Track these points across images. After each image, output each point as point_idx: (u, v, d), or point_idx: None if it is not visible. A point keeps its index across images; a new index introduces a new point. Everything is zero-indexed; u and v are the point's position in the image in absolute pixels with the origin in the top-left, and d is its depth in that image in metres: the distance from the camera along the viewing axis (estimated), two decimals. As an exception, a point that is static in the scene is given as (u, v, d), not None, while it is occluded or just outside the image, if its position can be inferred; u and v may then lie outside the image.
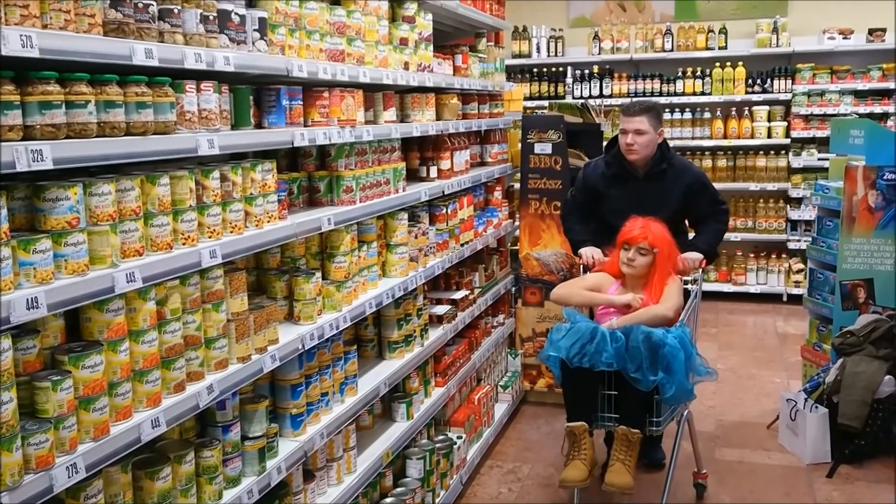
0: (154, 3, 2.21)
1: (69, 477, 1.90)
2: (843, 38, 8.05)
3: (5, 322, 1.75)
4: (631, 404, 3.65)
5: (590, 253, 4.21)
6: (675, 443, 3.93)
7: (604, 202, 4.31)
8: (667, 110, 8.54)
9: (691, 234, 4.41)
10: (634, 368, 3.56)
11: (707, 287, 8.37)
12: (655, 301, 3.84)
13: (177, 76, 2.33)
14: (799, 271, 8.00)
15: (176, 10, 2.30)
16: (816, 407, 4.60)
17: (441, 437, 4.20)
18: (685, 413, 3.99)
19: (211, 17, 2.44)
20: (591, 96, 8.61)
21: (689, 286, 4.07)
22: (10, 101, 1.83)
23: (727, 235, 8.18)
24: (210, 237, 2.46)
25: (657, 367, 3.54)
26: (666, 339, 3.56)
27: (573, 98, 8.63)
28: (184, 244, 2.35)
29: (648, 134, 4.10)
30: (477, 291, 4.79)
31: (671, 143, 8.30)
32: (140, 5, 2.15)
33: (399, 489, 3.73)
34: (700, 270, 4.12)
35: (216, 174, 2.49)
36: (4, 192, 1.83)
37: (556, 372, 3.81)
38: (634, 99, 4.20)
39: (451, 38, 5.19)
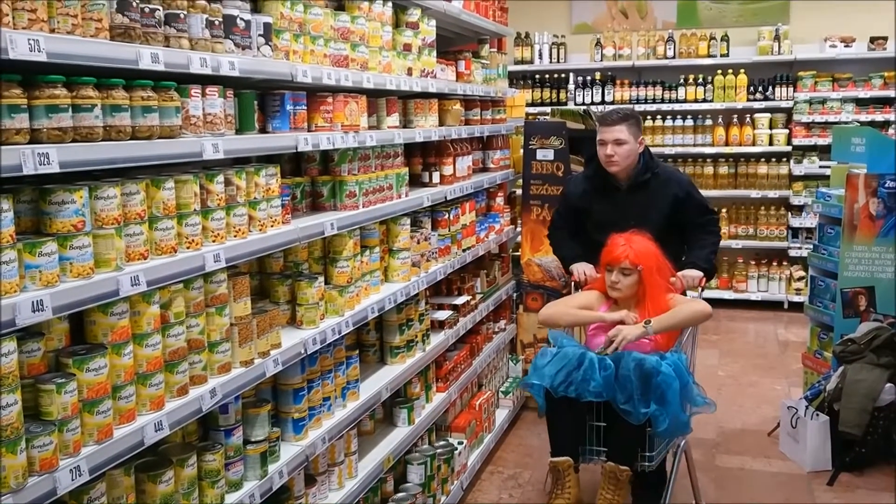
0: (160, 8, 2.22)
1: (73, 479, 1.91)
2: (845, 46, 8.07)
3: (10, 324, 1.75)
4: (621, 438, 3.39)
5: (581, 269, 4.02)
6: (671, 476, 3.69)
7: (588, 218, 4.13)
8: (668, 117, 8.57)
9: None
10: (624, 399, 3.30)
11: (708, 294, 8.28)
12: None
13: (182, 81, 2.34)
14: (800, 279, 8.01)
15: (182, 15, 2.31)
16: (817, 414, 4.60)
17: (442, 443, 4.20)
18: (682, 444, 3.74)
19: (216, 23, 2.46)
20: (593, 103, 8.63)
21: None
22: (17, 104, 1.83)
23: (728, 242, 8.34)
24: (214, 241, 2.46)
25: (649, 397, 3.29)
26: (660, 366, 3.31)
27: (575, 104, 8.65)
28: (188, 248, 2.35)
29: (629, 143, 3.92)
30: (478, 297, 4.79)
31: (673, 151, 8.47)
32: (146, 10, 2.16)
33: (400, 494, 3.73)
34: (699, 289, 3.90)
35: (220, 178, 2.50)
36: (11, 195, 1.84)
37: (539, 401, 3.54)
38: (613, 109, 4.08)
39: (454, 44, 5.20)
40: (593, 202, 4.10)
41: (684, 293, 3.88)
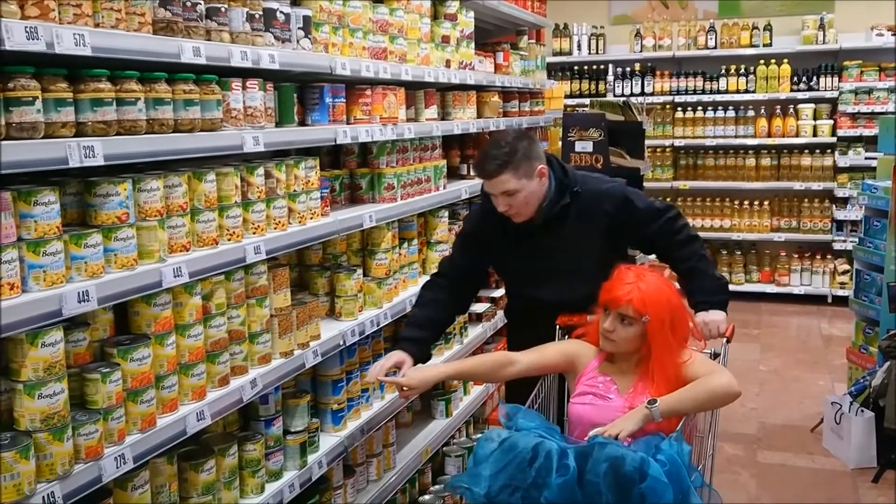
0: (202, 3, 2.25)
1: (117, 467, 1.95)
2: (892, 35, 7.87)
3: (57, 314, 1.79)
4: None
5: (377, 366, 2.80)
6: None
7: (502, 268, 3.18)
8: (710, 108, 8.45)
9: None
10: None
11: (749, 288, 8.28)
12: (656, 391, 2.53)
13: (223, 74, 2.37)
14: (844, 272, 7.86)
15: (223, 9, 2.33)
16: (862, 410, 4.52)
17: (479, 435, 4.20)
18: None
19: (257, 16, 2.48)
20: (632, 94, 8.54)
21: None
22: (63, 98, 1.87)
23: (770, 235, 8.22)
24: (254, 233, 2.49)
25: None
26: (647, 467, 2.25)
27: (614, 96, 8.57)
28: (229, 240, 2.38)
29: (523, 190, 2.80)
30: (516, 290, 4.77)
31: (714, 142, 8.35)
32: (188, 4, 2.18)
33: (438, 486, 3.74)
34: (725, 341, 2.84)
35: (261, 171, 2.52)
36: (57, 188, 1.87)
37: None
38: (488, 150, 2.84)
39: (492, 35, 5.19)
40: (505, 248, 3.01)
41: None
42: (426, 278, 3.45)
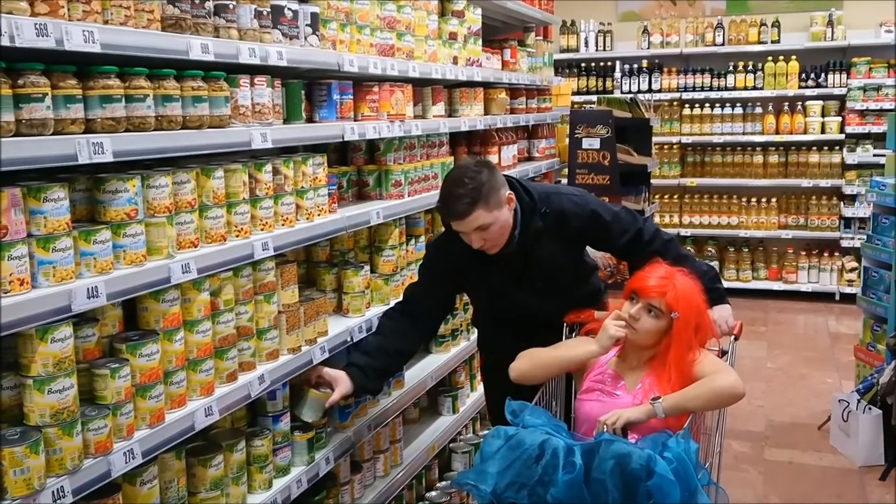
0: (210, -1, 2.25)
1: (126, 462, 1.95)
2: (901, 32, 7.85)
3: (67, 310, 1.80)
4: None
5: (321, 369, 2.76)
6: None
7: (474, 293, 3.11)
8: (717, 105, 8.43)
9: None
10: None
11: (756, 285, 8.27)
12: (670, 388, 2.52)
13: (231, 71, 2.37)
14: (852, 269, 7.84)
15: (231, 6, 2.33)
16: (870, 408, 4.51)
17: (486, 432, 4.20)
18: None
19: (265, 13, 2.48)
20: (639, 91, 8.53)
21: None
22: (72, 94, 1.88)
23: (778, 233, 8.20)
24: (262, 229, 2.49)
25: None
26: (653, 465, 2.23)
27: (622, 93, 8.55)
28: (237, 236, 2.38)
29: (496, 222, 2.68)
30: (523, 286, 4.77)
31: (721, 139, 8.33)
32: (196, 1, 2.19)
33: (444, 483, 3.75)
34: (732, 338, 2.81)
35: (268, 168, 2.53)
36: (66, 184, 1.88)
37: None
38: (451, 190, 2.67)
39: (499, 32, 5.18)
40: (476, 275, 2.91)
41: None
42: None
